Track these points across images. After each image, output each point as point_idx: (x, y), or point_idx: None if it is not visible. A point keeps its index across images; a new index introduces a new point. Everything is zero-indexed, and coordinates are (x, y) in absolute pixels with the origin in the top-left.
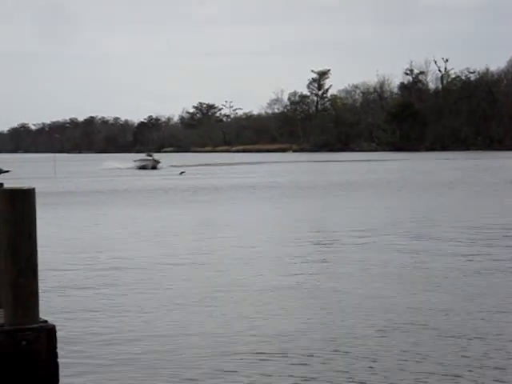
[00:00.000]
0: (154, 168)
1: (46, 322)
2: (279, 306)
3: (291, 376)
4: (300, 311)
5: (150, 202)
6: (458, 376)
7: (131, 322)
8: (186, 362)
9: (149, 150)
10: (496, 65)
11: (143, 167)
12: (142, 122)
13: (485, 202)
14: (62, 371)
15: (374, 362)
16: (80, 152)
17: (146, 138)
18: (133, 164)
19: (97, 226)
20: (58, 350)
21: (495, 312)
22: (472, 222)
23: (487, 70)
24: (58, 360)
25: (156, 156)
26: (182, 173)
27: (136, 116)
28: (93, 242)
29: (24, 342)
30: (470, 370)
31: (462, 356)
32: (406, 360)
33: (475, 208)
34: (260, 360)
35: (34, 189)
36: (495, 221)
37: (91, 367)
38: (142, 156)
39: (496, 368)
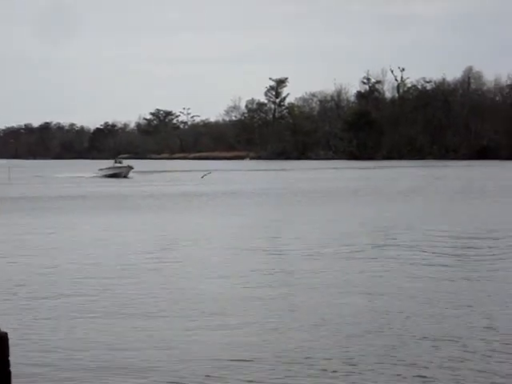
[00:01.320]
0: (125, 176)
1: None
2: (240, 315)
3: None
4: (261, 320)
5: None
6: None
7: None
8: (147, 371)
9: (115, 157)
10: (452, 75)
11: (115, 175)
12: (98, 129)
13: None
14: None
15: (351, 365)
16: (35, 158)
17: (102, 145)
18: (99, 173)
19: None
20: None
21: (461, 314)
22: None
23: (443, 79)
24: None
25: (128, 162)
26: (205, 175)
27: (92, 122)
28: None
29: None
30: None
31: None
32: (379, 363)
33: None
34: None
35: None
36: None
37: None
38: (110, 163)
39: (470, 370)
